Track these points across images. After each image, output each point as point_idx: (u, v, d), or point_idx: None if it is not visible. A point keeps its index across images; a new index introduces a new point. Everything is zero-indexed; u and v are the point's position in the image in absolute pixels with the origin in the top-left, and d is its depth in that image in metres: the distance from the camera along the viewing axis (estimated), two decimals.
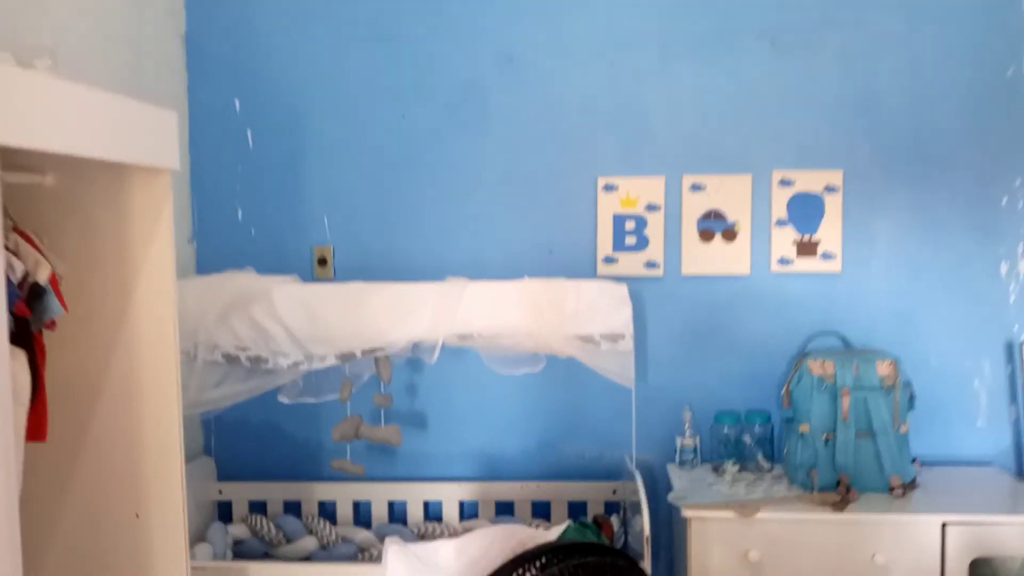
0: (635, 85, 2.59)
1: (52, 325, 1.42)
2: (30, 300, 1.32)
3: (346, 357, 2.27)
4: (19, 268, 1.28)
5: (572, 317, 2.22)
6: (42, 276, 1.31)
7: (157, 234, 1.56)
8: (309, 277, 2.65)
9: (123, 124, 1.41)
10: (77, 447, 1.58)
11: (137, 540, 1.64)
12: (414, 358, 2.43)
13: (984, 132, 2.52)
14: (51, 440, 1.46)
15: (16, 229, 1.36)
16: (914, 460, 2.34)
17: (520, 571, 1.36)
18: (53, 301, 1.35)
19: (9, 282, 1.24)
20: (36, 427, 1.38)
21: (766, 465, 2.46)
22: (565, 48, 2.60)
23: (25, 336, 1.32)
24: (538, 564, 1.34)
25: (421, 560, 1.52)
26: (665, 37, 2.58)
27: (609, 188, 2.60)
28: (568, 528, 1.83)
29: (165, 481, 1.62)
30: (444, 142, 2.63)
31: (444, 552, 1.53)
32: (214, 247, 2.69)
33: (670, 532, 2.56)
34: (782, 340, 2.57)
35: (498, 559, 1.45)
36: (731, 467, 2.44)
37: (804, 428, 2.29)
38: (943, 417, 2.55)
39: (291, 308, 2.27)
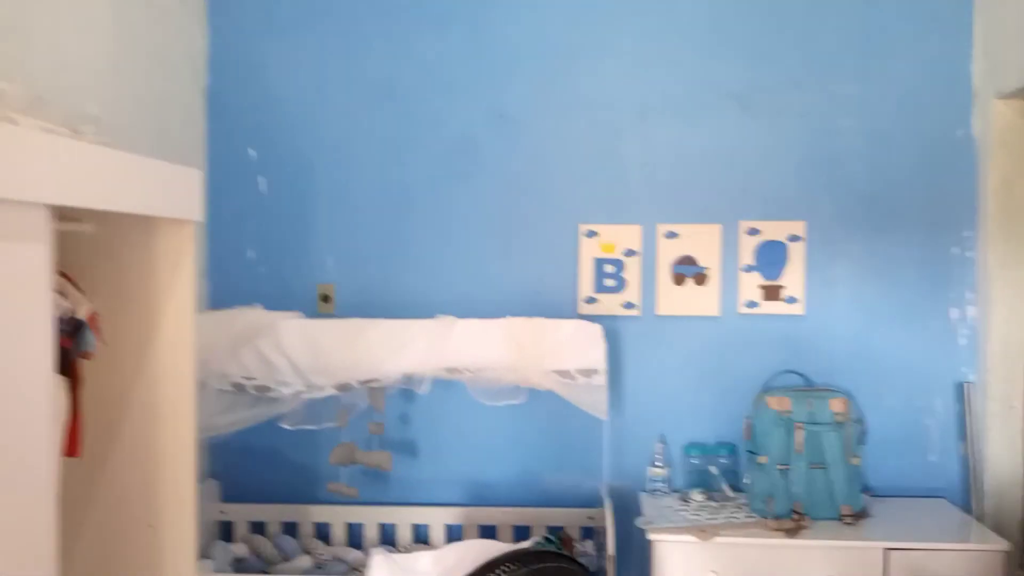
0: (615, 140, 2.83)
1: (87, 355, 1.63)
2: (71, 334, 1.53)
3: (344, 387, 2.48)
4: (64, 306, 1.50)
5: (550, 353, 2.43)
6: (82, 313, 1.53)
7: (179, 277, 1.78)
8: (313, 313, 2.86)
9: (155, 182, 1.64)
10: (102, 462, 1.78)
11: (151, 549, 1.83)
12: (406, 389, 2.63)
13: (935, 187, 2.74)
14: (80, 455, 1.67)
15: (61, 272, 1.58)
16: (865, 491, 2.52)
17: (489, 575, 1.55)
18: (90, 335, 1.56)
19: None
20: (71, 445, 1.59)
21: (731, 494, 2.64)
22: (552, 106, 2.84)
23: (65, 364, 1.54)
24: (505, 569, 1.54)
25: (402, 568, 1.71)
26: (644, 97, 2.82)
27: (590, 234, 2.82)
28: (536, 543, 2.02)
29: (178, 496, 1.82)
30: (439, 190, 2.87)
31: (423, 561, 1.72)
32: (225, 283, 2.91)
33: (643, 558, 2.73)
34: (749, 377, 2.76)
35: (471, 567, 1.64)
36: (698, 495, 2.63)
37: (763, 459, 2.48)
38: (897, 452, 2.74)
39: (294, 341, 2.47)
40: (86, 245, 1.78)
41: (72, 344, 1.55)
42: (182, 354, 1.74)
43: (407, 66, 2.87)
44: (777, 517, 2.41)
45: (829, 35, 2.77)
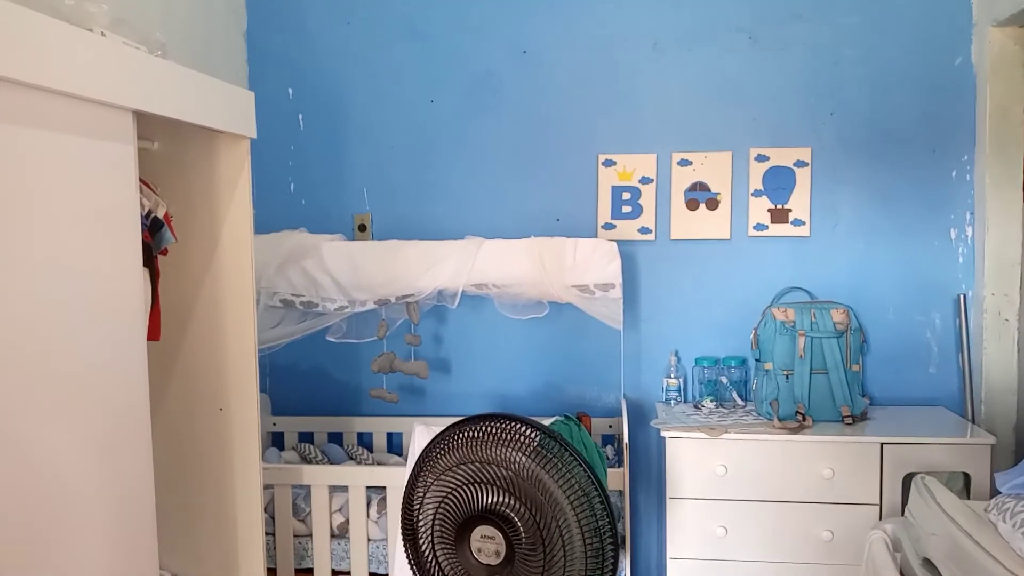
0: (631, 74, 3.00)
1: (165, 252, 1.87)
2: (152, 231, 1.77)
3: (382, 302, 2.71)
4: (145, 205, 1.74)
5: (570, 270, 2.63)
6: (160, 212, 1.77)
7: (238, 187, 2.01)
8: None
9: (219, 100, 1.86)
10: (177, 349, 2.04)
11: (221, 429, 2.09)
12: (440, 309, 2.86)
13: (935, 113, 2.88)
14: (159, 341, 1.92)
15: (140, 179, 1.82)
16: (864, 396, 2.71)
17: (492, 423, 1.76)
18: (167, 232, 1.80)
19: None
20: (153, 329, 1.84)
21: (740, 402, 2.85)
22: (571, 43, 3.01)
23: (147, 258, 1.78)
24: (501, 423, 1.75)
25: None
26: (657, 32, 2.98)
27: (608, 163, 3.01)
28: (555, 422, 2.25)
29: (243, 382, 2.08)
30: (466, 124, 3.06)
31: None
32: (269, 216, 3.12)
33: (659, 460, 2.96)
34: (758, 295, 2.94)
35: None
36: (709, 403, 2.84)
37: (768, 366, 2.68)
38: (899, 365, 2.92)
39: (337, 261, 2.71)
40: (156, 162, 2.02)
41: (153, 240, 1.79)
42: (243, 251, 1.98)
43: (432, 6, 3.05)
44: (782, 419, 2.61)
45: None
